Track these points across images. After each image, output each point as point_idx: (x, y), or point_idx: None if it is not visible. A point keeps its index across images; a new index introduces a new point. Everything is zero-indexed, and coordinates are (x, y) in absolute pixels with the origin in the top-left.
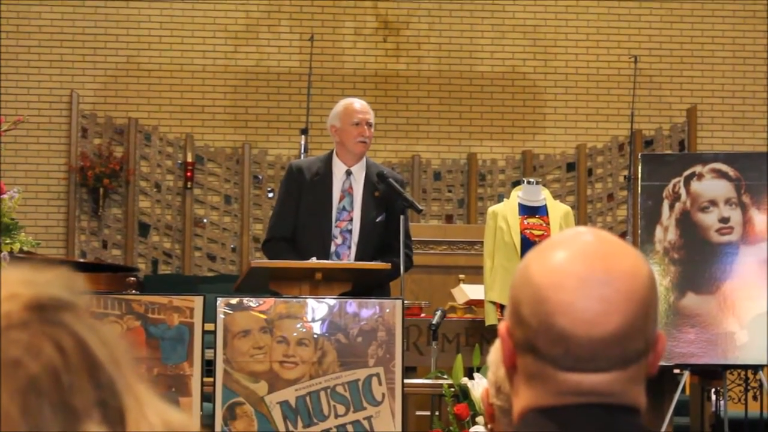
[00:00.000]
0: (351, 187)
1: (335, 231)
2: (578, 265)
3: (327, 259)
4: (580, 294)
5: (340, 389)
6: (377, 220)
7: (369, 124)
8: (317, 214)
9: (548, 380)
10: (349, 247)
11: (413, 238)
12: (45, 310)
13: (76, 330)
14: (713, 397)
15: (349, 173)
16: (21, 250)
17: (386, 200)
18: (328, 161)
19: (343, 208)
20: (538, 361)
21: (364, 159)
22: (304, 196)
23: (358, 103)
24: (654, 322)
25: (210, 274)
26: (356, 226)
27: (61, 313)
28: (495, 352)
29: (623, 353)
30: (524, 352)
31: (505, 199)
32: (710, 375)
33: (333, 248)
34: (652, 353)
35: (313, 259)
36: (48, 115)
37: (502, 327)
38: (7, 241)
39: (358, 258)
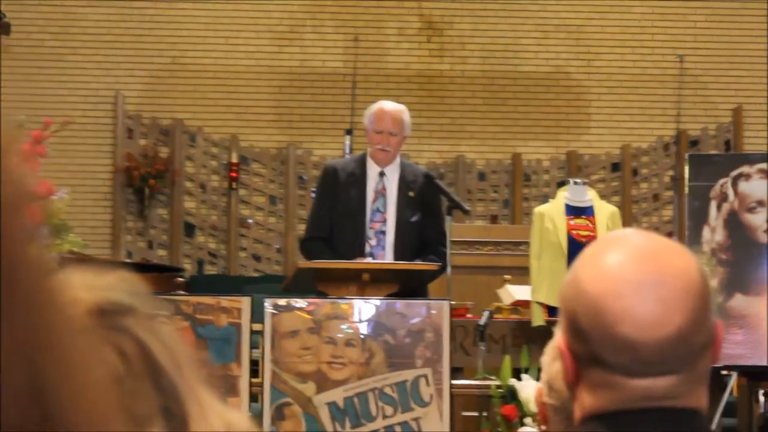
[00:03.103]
0: (384, 188)
1: (369, 232)
2: (630, 269)
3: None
4: (638, 298)
5: (388, 390)
6: (412, 220)
7: (392, 134)
8: (351, 216)
9: (617, 388)
10: (384, 249)
11: (458, 239)
12: (107, 315)
13: (138, 335)
14: (761, 398)
15: (382, 174)
16: (70, 251)
17: (422, 200)
18: (362, 162)
19: (377, 210)
20: (605, 372)
21: (398, 159)
22: (339, 197)
23: (388, 112)
24: (711, 313)
25: (255, 275)
26: (390, 228)
27: (123, 317)
28: (549, 352)
29: (689, 350)
30: (588, 364)
31: (551, 200)
32: (758, 376)
33: (368, 249)
34: (714, 343)
35: (369, 259)
36: (93, 116)
37: (560, 342)
38: (57, 242)
39: (395, 259)
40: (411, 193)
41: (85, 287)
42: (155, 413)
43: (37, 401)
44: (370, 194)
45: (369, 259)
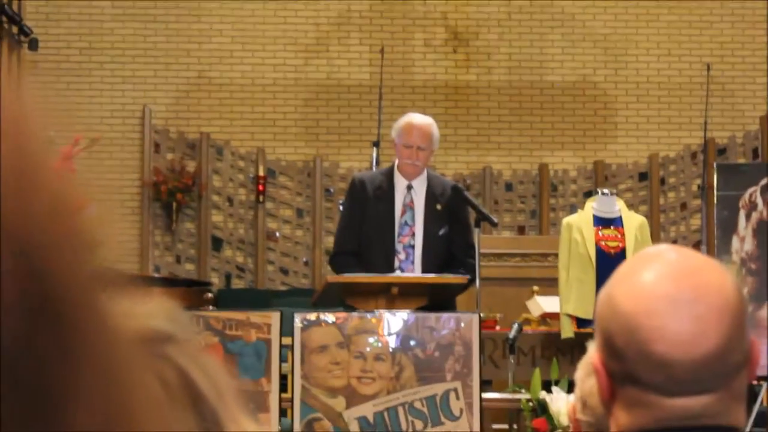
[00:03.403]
0: (412, 202)
1: (398, 247)
2: (665, 287)
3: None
4: (673, 316)
5: (417, 404)
6: (440, 233)
7: (420, 149)
8: (380, 230)
9: (653, 407)
10: (413, 263)
11: (486, 250)
12: (148, 343)
13: (179, 362)
14: None
15: (410, 187)
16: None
17: (449, 213)
18: (389, 175)
19: (405, 223)
20: (640, 390)
21: (425, 172)
22: (367, 211)
23: (417, 126)
24: (747, 331)
25: (283, 288)
26: (419, 241)
27: (164, 345)
28: (582, 368)
29: (725, 369)
30: (623, 383)
31: (579, 210)
32: None
33: (397, 263)
34: (750, 361)
35: (398, 272)
36: (121, 131)
37: (595, 360)
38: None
39: (423, 272)
40: (438, 206)
41: (125, 315)
42: None
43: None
44: (398, 208)
45: (398, 273)
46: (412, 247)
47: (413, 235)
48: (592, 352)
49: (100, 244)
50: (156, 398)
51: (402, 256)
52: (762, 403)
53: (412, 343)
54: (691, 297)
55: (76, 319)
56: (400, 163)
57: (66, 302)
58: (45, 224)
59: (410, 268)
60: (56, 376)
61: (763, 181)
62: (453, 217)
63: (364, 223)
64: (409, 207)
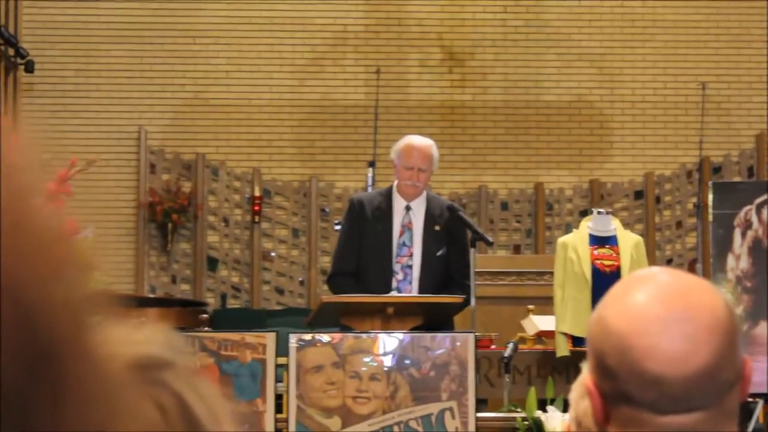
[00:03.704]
0: (411, 222)
1: (396, 267)
2: (656, 307)
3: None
4: (664, 336)
5: (413, 424)
6: (438, 254)
7: (421, 170)
8: (378, 251)
9: (646, 425)
10: (410, 283)
11: (482, 269)
12: (145, 369)
13: (176, 389)
14: None
15: (408, 208)
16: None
17: (448, 234)
18: (388, 196)
19: (403, 244)
20: (633, 409)
21: (425, 193)
22: (365, 231)
23: (417, 148)
24: (739, 349)
25: (279, 308)
26: (416, 262)
27: (161, 372)
28: (576, 389)
29: (717, 386)
30: (616, 402)
31: (574, 230)
32: None
33: (394, 284)
34: (742, 380)
35: (394, 293)
36: (116, 152)
37: (588, 382)
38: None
39: (421, 292)
40: (437, 227)
41: (122, 342)
42: None
43: None
44: (396, 228)
45: (394, 293)
46: (410, 267)
47: (411, 255)
48: (586, 373)
49: (93, 268)
50: (151, 425)
51: (400, 276)
52: (758, 420)
53: (407, 362)
54: (682, 317)
55: (67, 360)
56: (400, 184)
57: (57, 343)
58: (33, 260)
59: (408, 288)
60: (47, 419)
61: (759, 200)
62: (451, 237)
63: (362, 243)
64: (407, 228)
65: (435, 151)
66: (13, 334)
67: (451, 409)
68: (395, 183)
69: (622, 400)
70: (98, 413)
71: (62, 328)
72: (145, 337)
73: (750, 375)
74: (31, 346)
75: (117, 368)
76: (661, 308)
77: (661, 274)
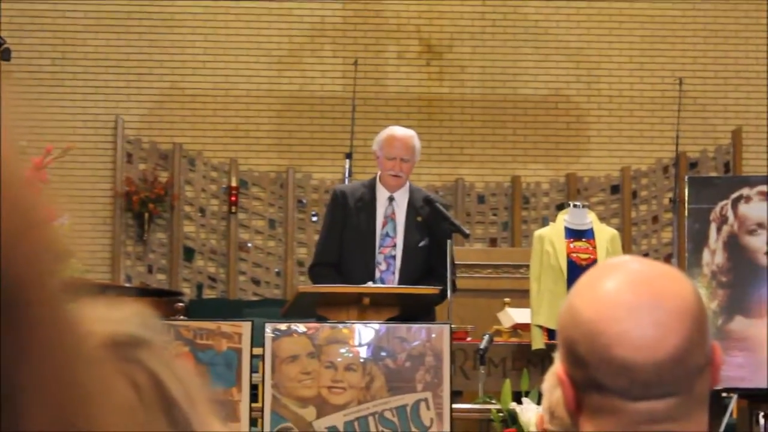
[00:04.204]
0: (394, 213)
1: (379, 257)
2: (626, 294)
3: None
4: (634, 322)
5: (388, 414)
6: (420, 245)
7: (404, 161)
8: (361, 241)
9: (617, 412)
10: (393, 273)
11: (458, 262)
12: (120, 347)
13: (151, 367)
14: (761, 421)
15: (391, 199)
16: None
17: (429, 225)
18: (371, 187)
19: (387, 234)
20: (605, 397)
21: (408, 184)
22: (348, 222)
23: (399, 138)
24: (708, 336)
25: (255, 298)
26: (399, 252)
27: (137, 350)
28: (549, 379)
29: (687, 371)
30: (588, 390)
31: (551, 222)
32: (759, 398)
33: (378, 275)
34: (712, 366)
35: (370, 283)
36: (93, 141)
37: (559, 371)
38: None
39: (401, 283)
40: (419, 218)
41: (98, 320)
42: None
43: None
44: (379, 219)
45: (370, 284)
46: (394, 258)
47: (395, 246)
48: (558, 363)
49: (69, 255)
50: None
51: (383, 266)
52: (731, 415)
53: (383, 353)
54: (651, 303)
55: (37, 324)
56: (383, 175)
57: (29, 307)
58: (16, 237)
59: (391, 279)
60: (10, 372)
61: (734, 195)
62: (431, 229)
63: (345, 234)
64: (390, 218)
65: (417, 142)
66: None
67: (426, 400)
68: (378, 174)
69: (593, 388)
70: (62, 380)
71: (37, 296)
72: (121, 316)
73: (720, 362)
74: None
75: (91, 344)
76: (631, 295)
77: (632, 262)
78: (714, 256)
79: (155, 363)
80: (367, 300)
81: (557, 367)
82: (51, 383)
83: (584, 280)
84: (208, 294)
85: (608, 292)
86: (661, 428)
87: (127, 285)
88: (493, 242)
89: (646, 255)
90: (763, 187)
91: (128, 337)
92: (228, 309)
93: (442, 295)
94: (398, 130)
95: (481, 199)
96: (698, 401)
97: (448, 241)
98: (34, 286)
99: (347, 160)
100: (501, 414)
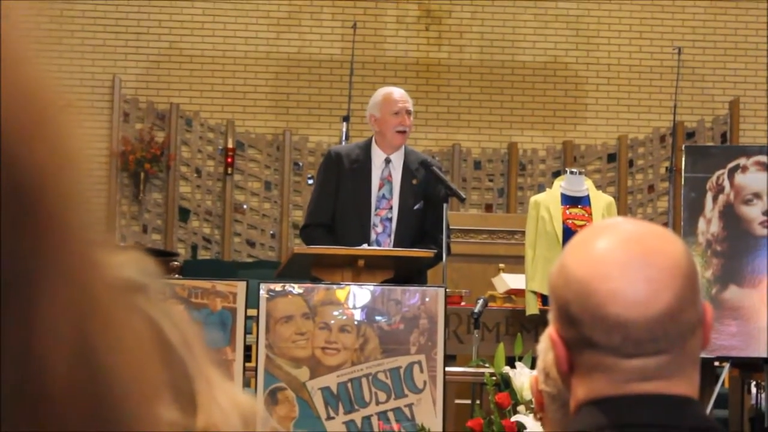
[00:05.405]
0: (390, 175)
1: (375, 219)
2: (617, 252)
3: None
4: (626, 279)
5: (381, 376)
6: (415, 207)
7: (408, 112)
8: (357, 203)
9: (610, 370)
10: (389, 236)
11: (454, 227)
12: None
13: (149, 312)
14: (753, 390)
15: (387, 161)
16: None
17: (425, 188)
18: (367, 149)
19: (383, 197)
20: (597, 354)
21: (403, 147)
22: (343, 184)
23: (397, 92)
24: (700, 294)
25: (249, 260)
26: (395, 214)
27: (135, 295)
28: (544, 340)
29: (679, 328)
30: (581, 349)
31: (547, 189)
32: (751, 368)
33: (373, 236)
34: (703, 325)
35: (365, 245)
36: (90, 100)
37: (551, 332)
38: None
39: (396, 246)
40: (414, 181)
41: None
42: (164, 389)
43: (86, 362)
44: (375, 181)
45: (365, 246)
46: (390, 220)
47: (391, 208)
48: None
49: (84, 157)
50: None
51: (379, 229)
52: (723, 384)
53: (377, 315)
54: (642, 261)
55: (54, 224)
56: (389, 134)
57: (50, 200)
58: (38, 121)
59: (387, 241)
60: (25, 266)
61: (731, 164)
62: (427, 192)
63: (339, 196)
64: (387, 180)
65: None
66: None
67: (419, 362)
68: (373, 137)
69: (585, 346)
70: (77, 283)
71: (51, 165)
72: (120, 261)
73: (711, 320)
74: (14, 190)
75: (109, 272)
76: (623, 253)
77: (624, 223)
78: (709, 225)
79: (153, 309)
80: (361, 262)
81: (550, 329)
82: (65, 283)
83: (576, 240)
84: (203, 255)
85: (600, 251)
86: (653, 386)
87: (122, 245)
88: (488, 208)
89: None
90: (760, 158)
91: (127, 282)
92: (222, 270)
93: (437, 258)
94: (392, 88)
95: (477, 164)
96: (690, 360)
97: (444, 205)
98: (57, 178)
99: (344, 123)
100: (494, 378)
